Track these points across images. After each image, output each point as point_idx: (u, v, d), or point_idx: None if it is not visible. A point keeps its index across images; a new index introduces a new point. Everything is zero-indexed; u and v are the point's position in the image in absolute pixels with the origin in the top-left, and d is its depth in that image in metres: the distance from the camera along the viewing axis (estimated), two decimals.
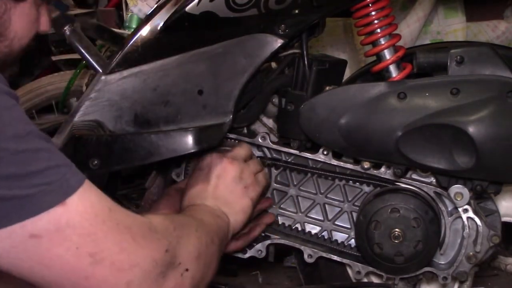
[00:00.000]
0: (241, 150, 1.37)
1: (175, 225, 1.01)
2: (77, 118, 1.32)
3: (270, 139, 1.47)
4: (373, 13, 1.39)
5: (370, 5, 1.38)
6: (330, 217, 1.52)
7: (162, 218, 1.01)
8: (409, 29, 2.06)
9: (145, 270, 0.89)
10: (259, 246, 1.50)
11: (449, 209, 1.45)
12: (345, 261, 1.49)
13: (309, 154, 1.46)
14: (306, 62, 1.40)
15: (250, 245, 1.50)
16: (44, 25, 1.11)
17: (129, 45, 1.33)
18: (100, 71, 1.33)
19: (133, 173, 1.59)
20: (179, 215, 1.13)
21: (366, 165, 1.43)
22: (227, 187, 1.29)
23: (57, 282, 0.87)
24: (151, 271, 0.90)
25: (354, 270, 1.48)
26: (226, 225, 1.24)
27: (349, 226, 1.52)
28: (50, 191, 0.85)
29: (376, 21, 1.39)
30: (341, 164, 1.46)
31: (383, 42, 1.40)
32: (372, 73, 1.45)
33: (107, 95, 1.32)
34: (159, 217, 1.01)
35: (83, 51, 1.37)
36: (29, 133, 0.87)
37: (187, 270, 0.97)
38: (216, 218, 1.22)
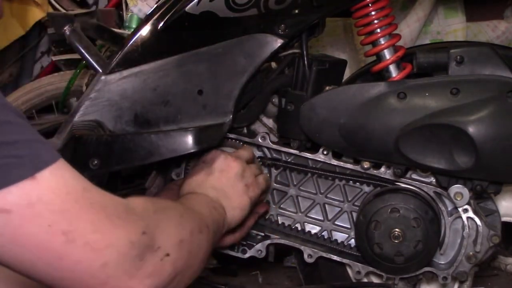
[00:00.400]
0: (245, 152, 1.39)
1: (156, 208, 0.97)
2: (77, 118, 1.32)
3: (270, 139, 1.47)
4: (373, 13, 1.39)
5: (370, 5, 1.38)
6: (330, 217, 1.52)
7: (142, 200, 0.97)
8: (409, 29, 2.06)
9: (121, 252, 0.86)
10: (259, 246, 1.50)
11: (449, 209, 1.45)
12: (345, 261, 1.49)
13: (309, 154, 1.46)
14: (306, 62, 1.40)
15: (250, 245, 1.50)
16: None
17: (129, 45, 1.33)
18: (100, 71, 1.33)
19: (133, 173, 1.59)
20: (165, 200, 1.09)
21: (366, 165, 1.43)
22: (228, 181, 1.29)
23: (31, 261, 0.84)
24: (128, 253, 0.86)
25: (354, 270, 1.48)
26: (222, 219, 1.23)
27: (349, 226, 1.52)
28: (20, 164, 0.81)
29: (376, 21, 1.39)
30: (341, 164, 1.46)
31: (383, 42, 1.40)
32: (372, 73, 1.45)
33: (107, 95, 1.32)
34: (139, 199, 0.97)
35: (83, 51, 1.37)
36: (3, 106, 0.84)
37: (167, 255, 0.93)
38: (212, 209, 1.20)
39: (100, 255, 0.84)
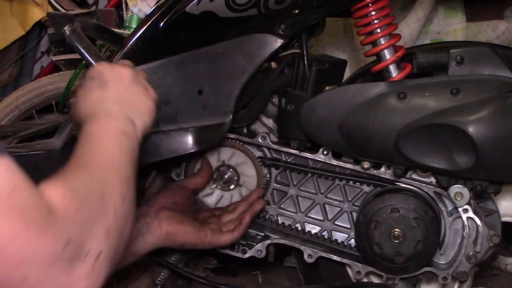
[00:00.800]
0: (126, 61, 1.25)
1: (78, 202, 0.85)
2: None
3: (270, 139, 1.47)
4: (373, 13, 1.39)
5: (370, 5, 1.38)
6: (330, 217, 1.52)
7: (62, 197, 0.84)
8: (409, 29, 2.05)
9: (40, 268, 0.77)
10: (259, 246, 1.50)
11: (449, 209, 1.45)
12: (345, 261, 1.49)
13: (309, 154, 1.46)
14: (306, 62, 1.40)
15: (250, 245, 1.50)
16: None
17: (129, 45, 1.33)
18: None
19: None
20: (78, 175, 0.93)
21: (366, 165, 1.43)
22: (126, 89, 1.15)
23: None
24: (50, 267, 0.78)
25: (354, 270, 1.48)
26: (134, 139, 1.09)
27: (349, 226, 1.52)
28: None
29: (376, 21, 1.39)
30: (341, 164, 1.46)
31: (383, 42, 1.40)
32: (372, 73, 1.45)
33: None
34: (58, 194, 0.84)
35: (83, 51, 1.37)
36: None
37: (99, 254, 0.85)
38: (121, 137, 1.06)
39: (17, 269, 0.76)
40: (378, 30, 1.40)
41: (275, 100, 1.46)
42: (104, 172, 0.96)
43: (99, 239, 0.85)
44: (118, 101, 1.11)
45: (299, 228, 1.52)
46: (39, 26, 2.75)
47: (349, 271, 1.54)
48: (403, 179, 1.44)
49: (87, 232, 0.84)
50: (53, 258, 0.78)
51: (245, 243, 1.51)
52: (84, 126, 1.05)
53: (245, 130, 1.50)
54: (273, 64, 1.48)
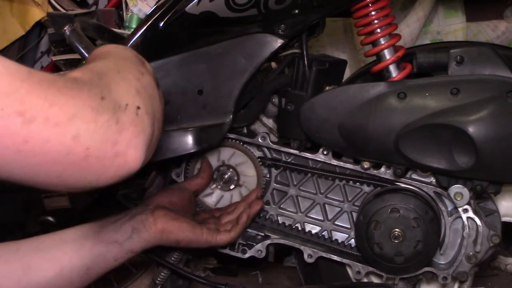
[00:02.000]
0: None
1: (97, 75, 0.90)
2: None
3: (270, 139, 1.47)
4: (373, 13, 1.39)
5: (370, 5, 1.38)
6: (330, 217, 1.52)
7: (81, 72, 0.89)
8: (409, 29, 2.05)
9: (88, 120, 0.80)
10: (259, 246, 1.50)
11: (449, 209, 1.45)
12: (345, 261, 1.49)
13: (309, 154, 1.46)
14: (306, 62, 1.40)
15: (250, 245, 1.50)
16: None
17: (129, 45, 1.33)
18: None
19: None
20: (94, 63, 0.98)
21: (366, 165, 1.43)
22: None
23: (1, 160, 0.78)
24: (96, 120, 0.81)
25: (354, 270, 1.48)
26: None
27: (349, 226, 1.52)
28: None
29: (376, 21, 1.39)
30: (341, 164, 1.46)
31: (383, 42, 1.40)
32: (372, 73, 1.45)
33: None
34: (78, 71, 0.90)
35: (83, 51, 1.37)
36: None
37: (138, 107, 0.88)
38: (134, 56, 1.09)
39: (66, 129, 0.79)
40: (378, 30, 1.40)
41: (275, 100, 1.46)
42: (118, 59, 1.00)
43: (133, 97, 0.89)
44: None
45: (299, 228, 1.52)
46: (39, 26, 2.75)
47: (349, 271, 1.54)
48: (403, 179, 1.44)
49: (117, 91, 0.88)
50: (94, 110, 0.81)
51: (245, 243, 1.51)
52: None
53: (245, 130, 1.50)
54: (273, 64, 1.48)
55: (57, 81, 0.82)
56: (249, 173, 1.52)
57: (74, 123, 0.79)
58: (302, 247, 1.49)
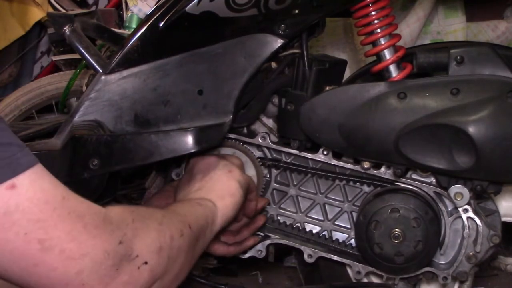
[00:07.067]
0: (235, 159, 1.41)
1: (135, 216, 0.98)
2: (77, 118, 1.32)
3: (270, 139, 1.47)
4: (373, 13, 1.39)
5: (370, 5, 1.38)
6: (330, 217, 1.52)
7: (121, 210, 0.98)
8: (409, 29, 2.06)
9: (96, 261, 0.88)
10: (259, 246, 1.50)
11: (449, 209, 1.45)
12: (345, 261, 1.49)
13: (309, 154, 1.46)
14: (306, 62, 1.40)
15: None
16: None
17: (129, 45, 1.33)
18: (100, 71, 1.33)
19: (133, 173, 1.59)
20: (145, 208, 1.10)
21: (366, 165, 1.43)
22: (209, 176, 1.30)
23: (6, 267, 0.86)
24: (103, 262, 0.88)
25: (354, 270, 1.48)
26: (209, 212, 1.21)
27: (349, 226, 1.52)
28: None
29: (376, 21, 1.39)
30: (341, 164, 1.46)
31: (383, 42, 1.40)
32: (372, 73, 1.45)
33: (107, 95, 1.32)
34: (118, 208, 0.98)
35: (83, 51, 1.37)
36: None
37: (145, 263, 0.95)
38: (196, 206, 1.20)
39: (75, 263, 0.86)
40: (378, 30, 1.40)
41: (275, 100, 1.46)
42: (169, 214, 1.09)
43: (150, 251, 0.96)
44: (200, 189, 1.27)
45: (299, 228, 1.52)
46: (39, 26, 2.75)
47: (349, 271, 1.54)
48: (403, 179, 1.44)
49: (140, 240, 0.95)
50: (106, 256, 0.89)
51: None
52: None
53: (245, 130, 1.50)
54: (273, 64, 1.48)
55: (85, 216, 0.89)
56: (249, 173, 1.52)
57: (83, 260, 0.87)
58: (302, 247, 1.49)
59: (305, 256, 1.48)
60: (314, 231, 1.52)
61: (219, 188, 1.27)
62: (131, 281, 0.92)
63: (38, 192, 0.85)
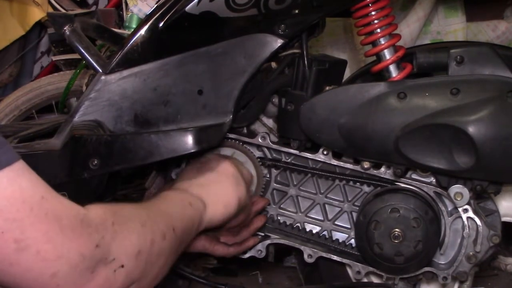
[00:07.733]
0: (245, 170, 1.41)
1: (116, 218, 0.96)
2: (77, 118, 1.32)
3: (270, 139, 1.47)
4: (373, 13, 1.39)
5: (370, 5, 1.38)
6: (330, 217, 1.52)
7: (102, 211, 0.96)
8: (409, 29, 2.06)
9: (72, 264, 0.87)
10: (259, 246, 1.50)
11: (449, 209, 1.45)
12: (345, 261, 1.49)
13: (309, 154, 1.46)
14: (306, 62, 1.40)
15: None
16: None
17: (129, 45, 1.33)
18: (100, 71, 1.33)
19: (133, 173, 1.59)
20: (130, 208, 1.07)
21: (366, 165, 1.43)
22: (217, 178, 1.30)
23: None
24: (78, 265, 0.87)
25: (354, 270, 1.48)
26: (198, 215, 1.21)
27: (349, 226, 1.52)
28: None
29: (376, 21, 1.39)
30: (341, 164, 1.46)
31: (383, 42, 1.40)
32: (372, 73, 1.45)
33: (107, 95, 1.32)
34: (100, 209, 0.96)
35: (83, 51, 1.37)
36: None
37: (122, 266, 0.94)
38: (186, 206, 1.19)
39: (50, 265, 0.85)
40: (378, 30, 1.40)
41: (275, 100, 1.46)
42: (154, 214, 1.07)
43: (128, 256, 0.95)
44: (202, 186, 1.26)
45: (299, 228, 1.52)
46: (39, 26, 2.75)
47: (349, 271, 1.54)
48: (403, 179, 1.44)
49: (118, 243, 0.93)
50: (81, 259, 0.87)
51: None
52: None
53: (245, 130, 1.49)
54: (273, 64, 1.48)
55: (63, 218, 0.87)
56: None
57: (59, 262, 0.86)
58: (302, 247, 1.49)
59: (305, 256, 1.48)
60: (314, 231, 1.52)
61: (219, 194, 1.27)
62: (106, 284, 0.91)
63: (16, 191, 0.83)
